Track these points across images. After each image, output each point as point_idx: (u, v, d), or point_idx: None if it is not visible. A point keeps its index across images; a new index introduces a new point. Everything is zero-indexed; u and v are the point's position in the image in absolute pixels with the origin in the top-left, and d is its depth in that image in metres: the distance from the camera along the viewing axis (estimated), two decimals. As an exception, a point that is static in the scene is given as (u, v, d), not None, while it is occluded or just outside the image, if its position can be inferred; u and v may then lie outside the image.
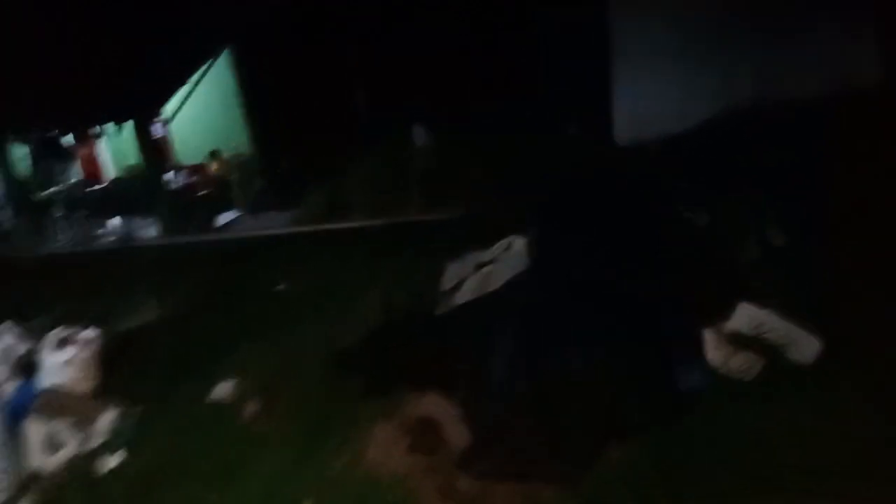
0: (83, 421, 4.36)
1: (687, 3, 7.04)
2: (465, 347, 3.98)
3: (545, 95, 7.39)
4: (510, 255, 4.77)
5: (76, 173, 12.05)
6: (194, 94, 10.68)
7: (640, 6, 7.13)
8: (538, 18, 7.57)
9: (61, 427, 4.34)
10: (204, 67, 10.39)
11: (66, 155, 11.91)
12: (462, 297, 4.77)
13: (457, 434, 3.58)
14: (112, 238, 9.14)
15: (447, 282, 5.11)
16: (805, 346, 3.68)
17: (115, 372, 4.73)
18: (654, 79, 7.10)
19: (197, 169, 10.98)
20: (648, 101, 7.07)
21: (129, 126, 10.61)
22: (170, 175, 10.85)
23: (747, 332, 3.78)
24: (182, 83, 10.49)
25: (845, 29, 6.69)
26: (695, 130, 6.71)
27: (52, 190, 11.06)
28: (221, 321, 5.30)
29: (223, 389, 4.44)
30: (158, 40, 8.68)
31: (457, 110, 7.47)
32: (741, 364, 3.67)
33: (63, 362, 4.57)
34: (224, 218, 9.37)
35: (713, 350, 3.77)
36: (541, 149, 6.70)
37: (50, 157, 11.49)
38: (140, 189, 10.39)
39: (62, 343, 4.64)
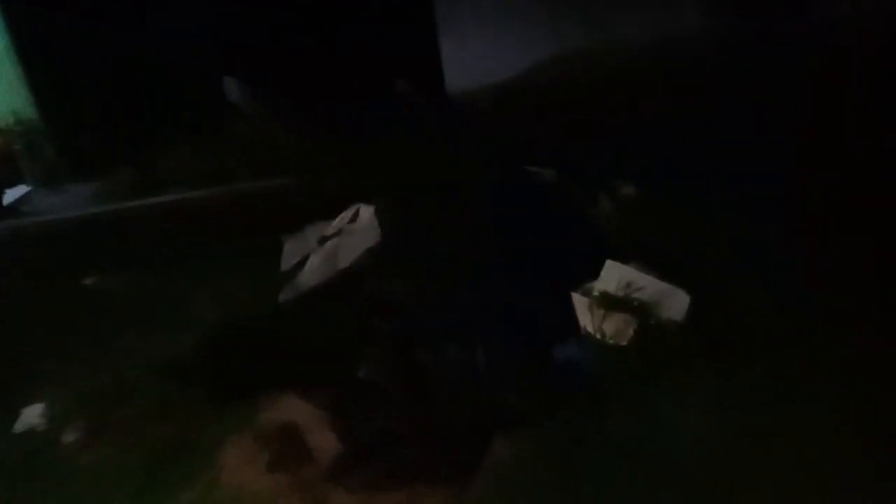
0: None
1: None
2: (320, 339, 3.56)
3: (369, 49, 6.90)
4: (357, 227, 4.36)
5: None
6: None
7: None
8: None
9: None
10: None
11: None
12: (307, 277, 4.32)
13: (324, 442, 3.18)
14: None
15: (287, 260, 4.63)
16: (675, 302, 3.59)
17: None
18: (480, 27, 6.83)
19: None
20: (477, 49, 6.81)
21: None
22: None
23: (616, 292, 3.64)
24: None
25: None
26: (528, 79, 6.57)
27: None
28: (19, 326, 4.47)
29: (32, 414, 3.73)
30: None
31: (278, 66, 6.82)
32: (615, 327, 3.52)
33: None
34: (10, 195, 8.13)
35: (584, 315, 3.61)
36: (371, 107, 6.24)
37: None
38: None
39: None
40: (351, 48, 7.03)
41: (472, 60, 6.86)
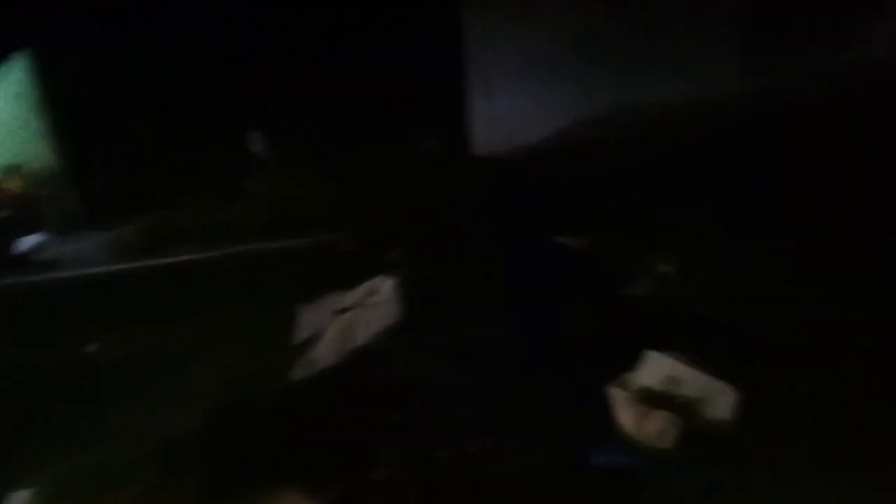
0: None
1: (541, 15, 6.68)
2: (331, 428, 3.25)
3: (398, 110, 6.74)
4: (376, 301, 4.08)
5: None
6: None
7: (492, 17, 6.71)
8: (388, 28, 6.91)
9: None
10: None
11: None
12: (322, 352, 4.03)
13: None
14: None
15: (302, 331, 4.35)
16: (721, 400, 3.25)
17: None
18: (510, 91, 6.67)
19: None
20: (507, 113, 6.64)
21: None
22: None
23: (658, 386, 3.31)
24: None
25: (706, 42, 6.54)
26: (559, 140, 6.35)
27: None
28: (10, 399, 4.16)
29: (18, 500, 3.43)
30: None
31: (304, 124, 6.67)
32: (656, 426, 3.18)
33: None
34: (27, 242, 7.98)
35: (622, 412, 3.27)
36: (397, 167, 6.05)
37: None
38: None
39: None
40: (380, 103, 6.90)
41: (502, 120, 6.70)
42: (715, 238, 4.45)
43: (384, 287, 4.08)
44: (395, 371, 3.50)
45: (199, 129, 7.55)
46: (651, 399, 3.26)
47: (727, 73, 6.22)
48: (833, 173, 4.75)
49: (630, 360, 3.44)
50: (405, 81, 6.89)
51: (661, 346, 3.49)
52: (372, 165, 6.12)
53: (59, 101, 8.80)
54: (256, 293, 4.66)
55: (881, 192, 4.39)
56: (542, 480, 2.93)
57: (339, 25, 6.92)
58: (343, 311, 4.23)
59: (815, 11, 6.06)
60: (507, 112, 6.72)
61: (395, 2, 6.96)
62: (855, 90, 5.47)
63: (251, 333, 4.31)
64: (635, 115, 6.27)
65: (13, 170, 9.15)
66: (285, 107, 7.06)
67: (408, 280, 4.08)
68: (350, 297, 4.25)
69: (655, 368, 3.36)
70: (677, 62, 6.41)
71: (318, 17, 6.93)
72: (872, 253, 3.98)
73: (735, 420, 3.21)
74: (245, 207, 6.47)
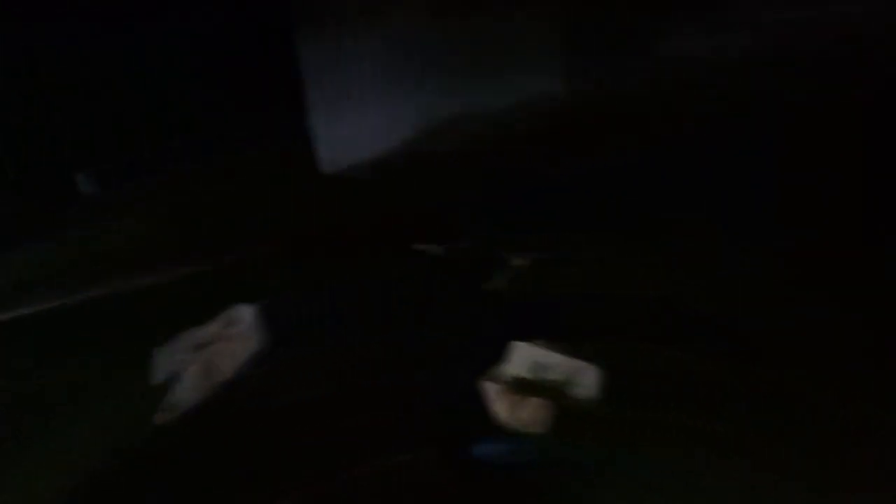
0: None
1: (375, 29, 6.74)
2: (205, 472, 3.10)
3: (239, 133, 6.56)
4: (237, 331, 3.94)
5: None
6: None
7: (328, 34, 6.69)
8: (222, 52, 6.70)
9: None
10: None
11: None
12: (185, 391, 3.84)
13: None
14: None
15: (159, 373, 4.13)
16: (586, 378, 3.40)
17: None
18: (353, 107, 6.68)
19: None
20: (350, 129, 6.65)
21: None
22: None
23: (527, 374, 3.41)
24: None
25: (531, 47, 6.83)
26: (401, 153, 6.43)
27: None
28: None
29: None
30: None
31: (137, 158, 6.34)
32: (530, 413, 3.27)
33: None
34: None
35: (496, 404, 3.34)
36: (241, 191, 5.89)
37: None
38: None
39: None
40: (218, 126, 6.70)
41: (345, 137, 6.68)
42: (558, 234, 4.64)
43: (243, 315, 3.96)
44: (268, 399, 3.39)
45: (24, 175, 7.03)
46: (522, 387, 3.36)
47: (554, 75, 6.54)
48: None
49: (499, 353, 3.54)
50: (244, 103, 6.73)
51: (526, 335, 3.62)
52: (215, 191, 5.93)
53: None
54: (113, 337, 4.39)
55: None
56: (436, 487, 2.93)
57: (169, 48, 6.63)
58: (202, 346, 4.06)
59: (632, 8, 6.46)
60: (351, 128, 6.72)
61: (228, 25, 6.79)
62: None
63: (112, 380, 4.04)
64: (475, 124, 6.46)
65: None
66: (113, 141, 6.69)
67: (267, 304, 3.97)
68: (208, 330, 4.09)
69: (522, 357, 3.47)
70: (507, 69, 6.67)
71: (144, 41, 6.60)
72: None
73: (601, 396, 3.38)
74: (84, 251, 6.08)
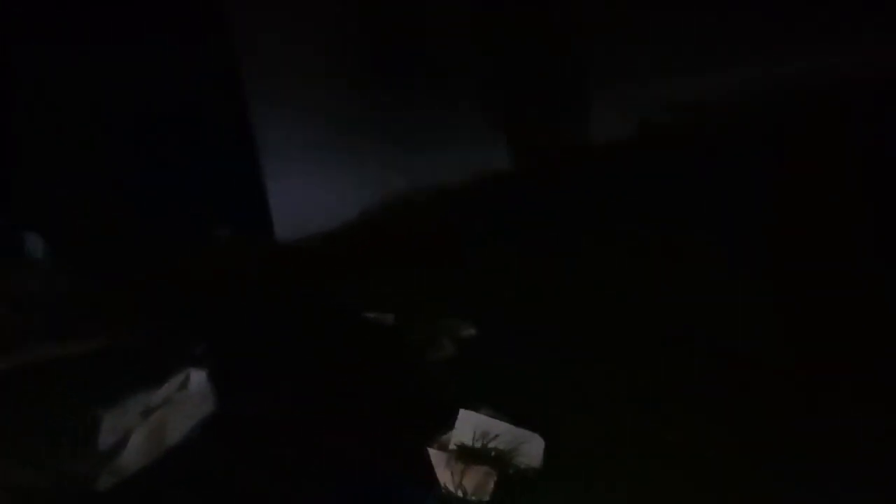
0: None
1: (327, 100, 6.89)
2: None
3: (191, 203, 6.55)
4: (187, 396, 3.96)
5: None
6: None
7: (279, 102, 6.82)
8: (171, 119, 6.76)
9: None
10: None
11: None
12: (131, 456, 3.82)
13: None
14: None
15: (105, 439, 4.09)
16: (531, 448, 3.53)
17: None
18: (306, 176, 6.77)
19: None
20: (305, 195, 6.73)
21: None
22: None
23: (472, 442, 3.51)
24: None
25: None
26: (357, 224, 6.56)
27: None
28: None
29: None
30: None
31: (86, 221, 6.31)
32: (475, 482, 3.37)
33: None
34: None
35: (441, 471, 3.43)
36: (192, 259, 5.90)
37: None
38: None
39: None
40: (169, 195, 6.70)
41: (300, 205, 6.74)
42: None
43: (193, 380, 3.98)
44: (214, 465, 3.41)
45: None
46: (468, 455, 3.46)
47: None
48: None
49: (445, 421, 3.64)
50: (194, 172, 6.75)
51: (472, 404, 3.74)
52: (165, 257, 5.93)
53: None
54: (55, 403, 4.33)
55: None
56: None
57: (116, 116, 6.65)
58: (150, 411, 4.05)
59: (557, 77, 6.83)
60: (304, 197, 6.78)
61: (176, 94, 6.83)
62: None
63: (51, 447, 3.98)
64: (427, 194, 6.65)
65: None
66: (65, 203, 6.65)
67: (217, 370, 4.01)
68: (157, 395, 4.08)
69: (469, 426, 3.57)
70: (452, 138, 6.90)
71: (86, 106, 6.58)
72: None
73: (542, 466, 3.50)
74: (28, 315, 5.99)
